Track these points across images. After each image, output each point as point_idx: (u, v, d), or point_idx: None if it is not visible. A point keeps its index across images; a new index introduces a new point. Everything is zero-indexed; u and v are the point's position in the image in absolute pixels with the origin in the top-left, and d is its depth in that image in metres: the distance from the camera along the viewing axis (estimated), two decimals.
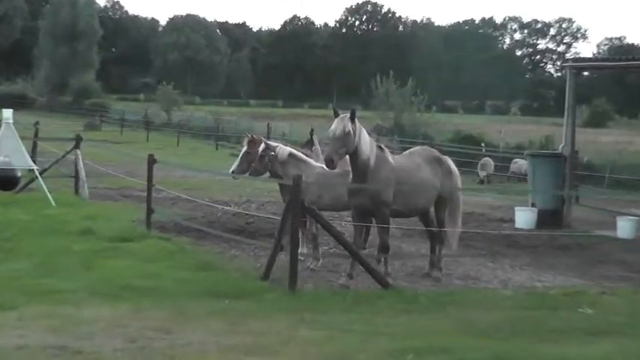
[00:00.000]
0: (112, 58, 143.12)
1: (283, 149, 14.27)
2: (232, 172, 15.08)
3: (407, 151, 14.20)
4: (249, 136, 15.59)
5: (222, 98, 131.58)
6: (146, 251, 14.14)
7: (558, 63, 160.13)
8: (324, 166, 12.77)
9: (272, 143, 14.56)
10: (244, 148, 15.15)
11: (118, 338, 8.75)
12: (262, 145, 14.39)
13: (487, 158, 34.15)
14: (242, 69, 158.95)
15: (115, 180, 24.77)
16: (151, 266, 12.97)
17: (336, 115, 12.10)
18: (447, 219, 13.69)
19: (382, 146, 12.64)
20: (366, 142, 12.20)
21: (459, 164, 14.71)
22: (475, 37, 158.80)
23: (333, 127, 11.96)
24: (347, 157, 12.24)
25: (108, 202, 21.55)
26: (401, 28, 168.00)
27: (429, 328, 9.71)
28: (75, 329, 9.05)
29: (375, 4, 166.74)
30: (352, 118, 11.98)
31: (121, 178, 23.99)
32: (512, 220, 20.71)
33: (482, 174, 32.59)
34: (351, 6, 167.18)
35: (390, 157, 12.76)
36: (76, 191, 21.84)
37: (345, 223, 16.39)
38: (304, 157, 14.44)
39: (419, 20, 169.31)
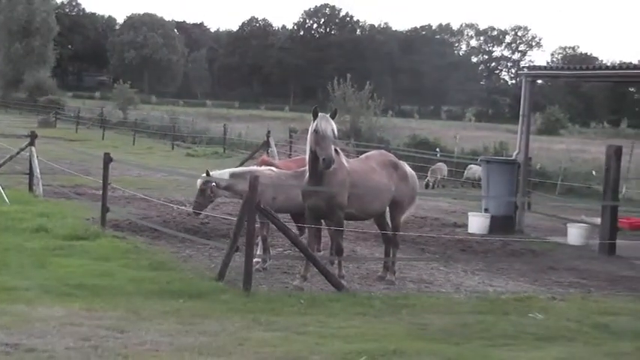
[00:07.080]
0: (68, 55, 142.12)
1: (221, 174, 14.22)
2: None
3: (363, 155, 14.24)
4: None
5: (178, 98, 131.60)
6: (100, 250, 14.04)
7: (513, 70, 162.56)
8: (273, 169, 13.38)
9: (215, 173, 14.33)
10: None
11: (70, 337, 8.74)
12: (199, 180, 14.27)
13: (440, 164, 34.34)
14: (199, 69, 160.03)
15: (70, 178, 24.58)
16: (104, 265, 12.89)
17: (316, 114, 12.01)
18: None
19: (338, 149, 12.46)
20: None
21: (414, 169, 14.70)
22: (432, 43, 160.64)
23: (322, 125, 11.85)
24: (305, 157, 12.51)
25: (62, 199, 21.28)
26: (358, 32, 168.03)
27: (383, 331, 9.79)
28: (27, 327, 8.99)
29: (332, 8, 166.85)
30: (333, 118, 12.03)
31: (76, 176, 23.85)
32: (465, 226, 20.72)
33: (431, 179, 32.71)
34: (309, 9, 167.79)
35: (344, 161, 12.72)
36: (30, 188, 21.57)
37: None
38: (245, 168, 14.43)
39: (376, 25, 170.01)
